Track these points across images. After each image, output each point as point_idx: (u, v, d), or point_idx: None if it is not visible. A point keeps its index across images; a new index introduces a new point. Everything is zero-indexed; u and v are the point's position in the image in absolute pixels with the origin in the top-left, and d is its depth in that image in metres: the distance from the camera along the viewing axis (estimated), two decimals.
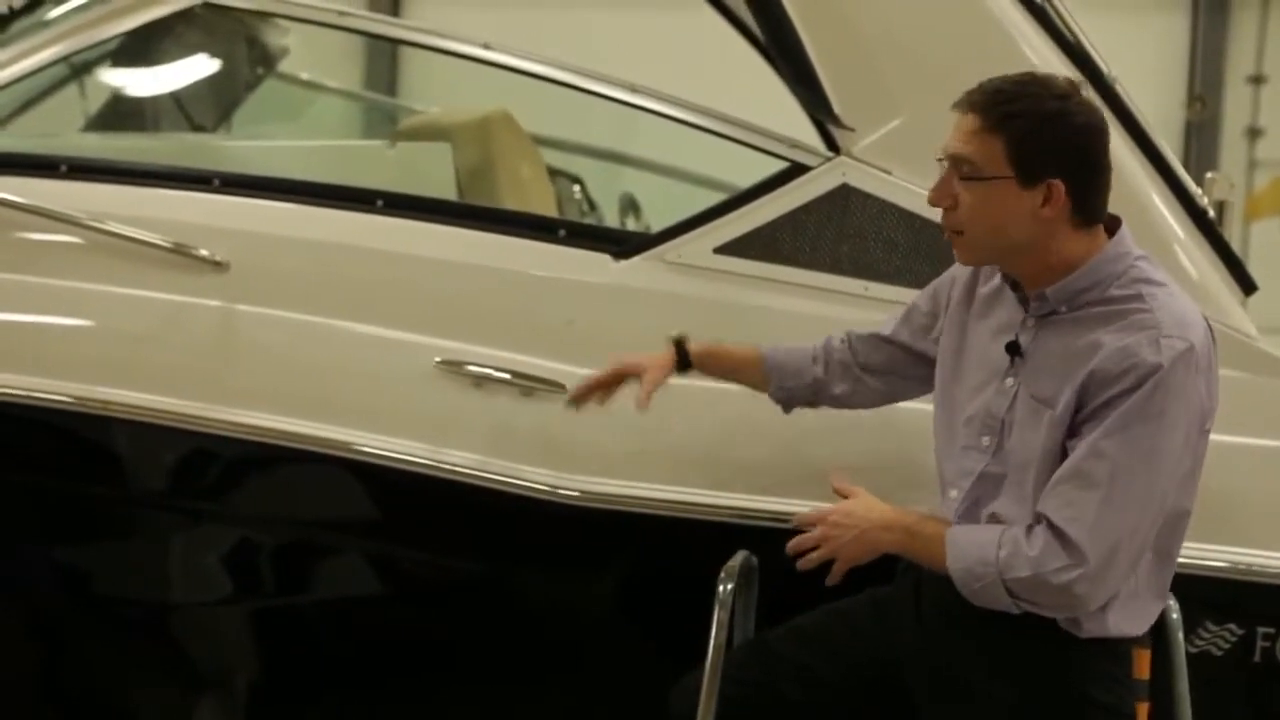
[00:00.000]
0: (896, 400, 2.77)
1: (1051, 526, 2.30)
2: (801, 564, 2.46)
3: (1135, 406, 2.27)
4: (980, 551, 2.35)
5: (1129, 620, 2.41)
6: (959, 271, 2.61)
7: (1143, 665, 2.47)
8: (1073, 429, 2.33)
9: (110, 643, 3.13)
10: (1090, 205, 2.37)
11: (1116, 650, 2.42)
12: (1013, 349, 2.43)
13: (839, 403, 2.77)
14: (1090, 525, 2.27)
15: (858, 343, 2.74)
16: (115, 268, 3.02)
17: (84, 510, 3.07)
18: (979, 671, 2.43)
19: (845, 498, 2.49)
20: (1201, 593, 2.71)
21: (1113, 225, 2.42)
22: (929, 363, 2.65)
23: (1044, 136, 2.32)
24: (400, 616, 3.04)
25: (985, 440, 2.44)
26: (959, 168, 2.36)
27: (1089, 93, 2.43)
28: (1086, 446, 2.30)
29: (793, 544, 2.47)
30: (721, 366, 2.79)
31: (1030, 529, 2.33)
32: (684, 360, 2.75)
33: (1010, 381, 2.43)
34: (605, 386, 2.77)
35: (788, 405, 2.78)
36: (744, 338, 2.94)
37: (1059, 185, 2.32)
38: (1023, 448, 2.39)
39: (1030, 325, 2.43)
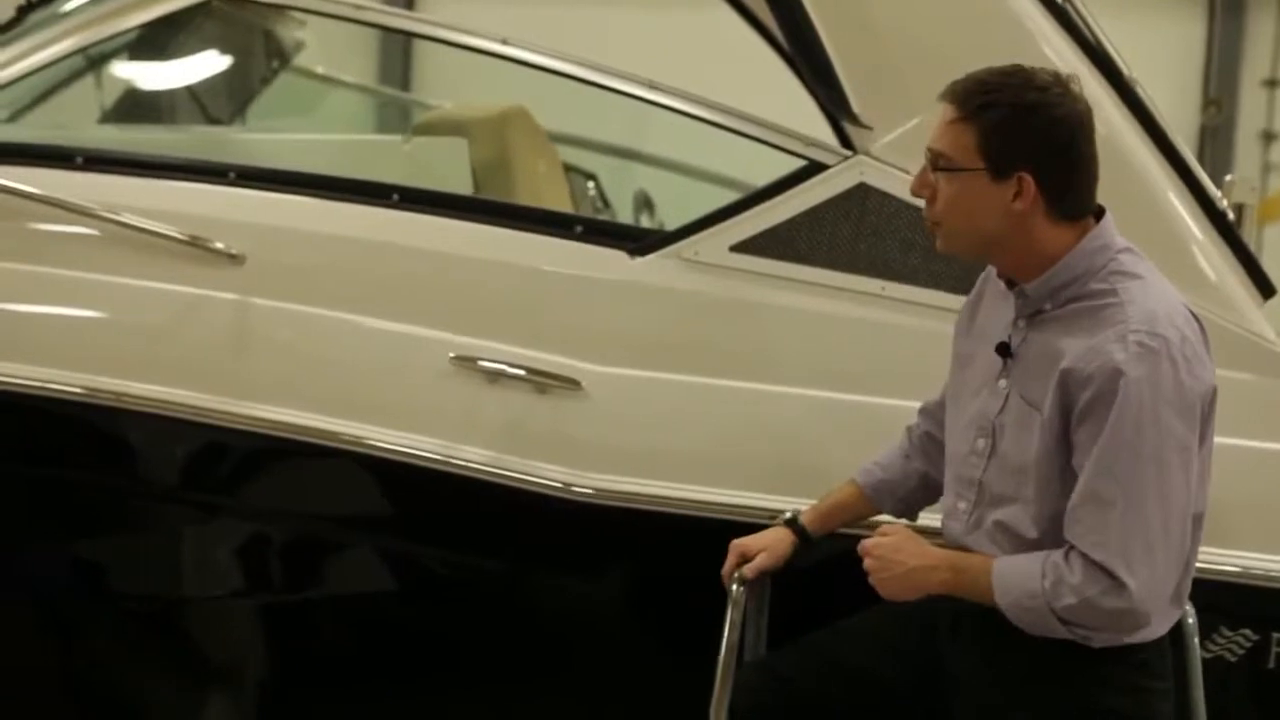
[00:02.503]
0: None
1: (1082, 553, 2.24)
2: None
3: (1125, 414, 2.20)
4: (1026, 583, 2.27)
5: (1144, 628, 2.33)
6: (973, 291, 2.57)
7: None
8: (1067, 431, 2.28)
9: (121, 636, 3.13)
10: (1068, 199, 2.30)
11: (1134, 658, 2.34)
12: (1003, 350, 2.39)
13: None
14: (1118, 547, 2.21)
15: (923, 417, 2.67)
16: (130, 260, 3.03)
17: (96, 503, 3.06)
18: (982, 681, 2.38)
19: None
20: (1216, 598, 2.68)
21: (1101, 218, 2.35)
22: None
23: (1016, 128, 2.26)
24: (412, 613, 3.03)
25: (980, 443, 2.40)
26: (935, 159, 2.32)
27: (1082, 87, 2.33)
28: (1092, 465, 2.23)
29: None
30: (837, 523, 2.68)
31: (1068, 554, 2.25)
32: (804, 539, 2.65)
33: (1003, 384, 2.38)
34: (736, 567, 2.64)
35: (914, 514, 2.68)
36: (759, 336, 2.95)
37: (1029, 179, 2.27)
38: (1017, 452, 2.34)
39: (1021, 325, 2.38)
